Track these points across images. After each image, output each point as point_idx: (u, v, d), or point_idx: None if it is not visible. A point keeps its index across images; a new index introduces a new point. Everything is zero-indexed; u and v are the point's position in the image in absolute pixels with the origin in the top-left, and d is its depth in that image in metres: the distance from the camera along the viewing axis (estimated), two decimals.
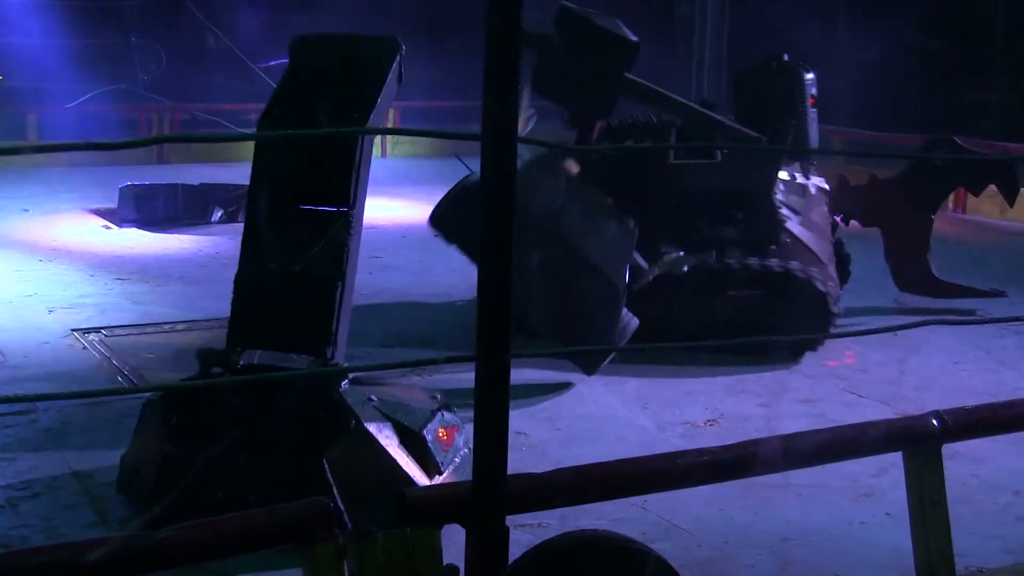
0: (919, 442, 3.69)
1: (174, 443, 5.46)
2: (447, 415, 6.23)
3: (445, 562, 2.81)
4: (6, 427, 6.95)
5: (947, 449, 3.83)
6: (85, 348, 8.85)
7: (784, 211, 9.39)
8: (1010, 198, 10.52)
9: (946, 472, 3.78)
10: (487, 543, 2.73)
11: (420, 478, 5.63)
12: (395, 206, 16.18)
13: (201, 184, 15.17)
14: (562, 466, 3.04)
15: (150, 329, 9.45)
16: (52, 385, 7.82)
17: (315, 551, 2.58)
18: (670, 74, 22.96)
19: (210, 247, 13.17)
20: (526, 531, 4.86)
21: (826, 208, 10.02)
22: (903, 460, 3.73)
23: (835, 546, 5.60)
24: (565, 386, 7.98)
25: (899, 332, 8.45)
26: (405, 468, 5.58)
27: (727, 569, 5.30)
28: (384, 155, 21.31)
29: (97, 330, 9.34)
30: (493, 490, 2.73)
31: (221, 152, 19.15)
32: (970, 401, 5.95)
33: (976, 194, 11.22)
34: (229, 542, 2.63)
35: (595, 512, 4.93)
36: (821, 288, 8.79)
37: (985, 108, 20.06)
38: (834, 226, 10.21)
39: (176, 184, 14.97)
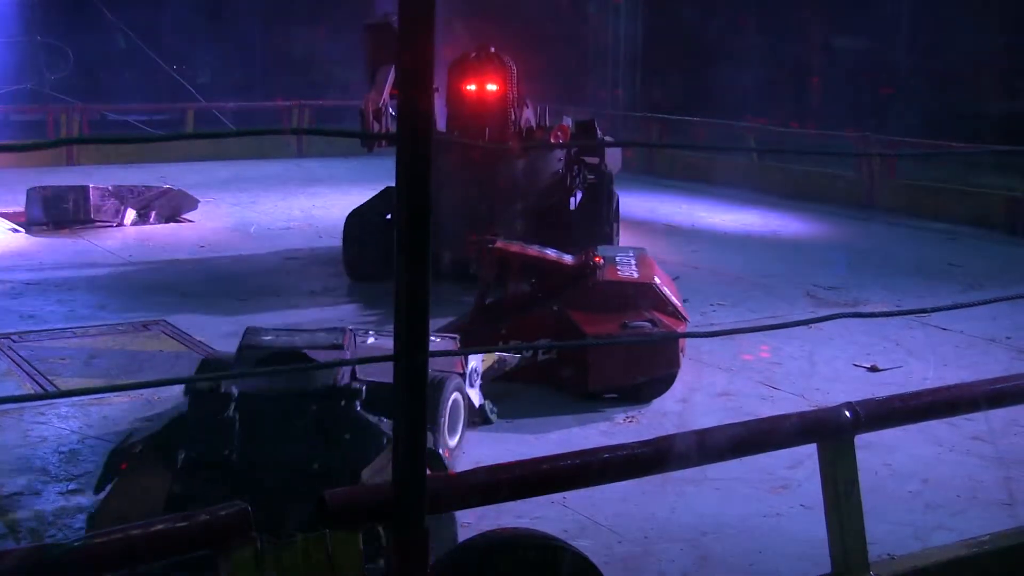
0: (832, 434, 3.74)
1: (183, 483, 4.94)
2: None
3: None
4: None
5: (859, 439, 3.89)
6: None
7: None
8: None
9: (859, 462, 3.85)
10: (408, 543, 2.72)
11: None
12: (310, 205, 16.09)
13: (113, 186, 14.92)
14: (481, 465, 3.03)
15: (62, 334, 9.27)
16: None
17: (232, 556, 2.54)
18: (586, 72, 23.13)
19: (122, 249, 12.96)
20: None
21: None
22: (817, 452, 3.79)
23: (752, 538, 5.66)
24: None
25: (812, 325, 8.60)
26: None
27: (647, 564, 5.33)
28: (300, 155, 21.19)
29: (6, 336, 9.14)
30: (413, 491, 2.72)
31: (133, 153, 18.86)
32: (881, 392, 6.08)
33: None
34: (144, 549, 2.59)
35: (515, 510, 4.94)
36: None
37: (889, 104, 20.47)
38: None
39: (86, 186, 14.69)
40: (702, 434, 3.39)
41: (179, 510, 4.43)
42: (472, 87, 11.01)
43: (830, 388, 8.00)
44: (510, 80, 11.08)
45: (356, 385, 5.35)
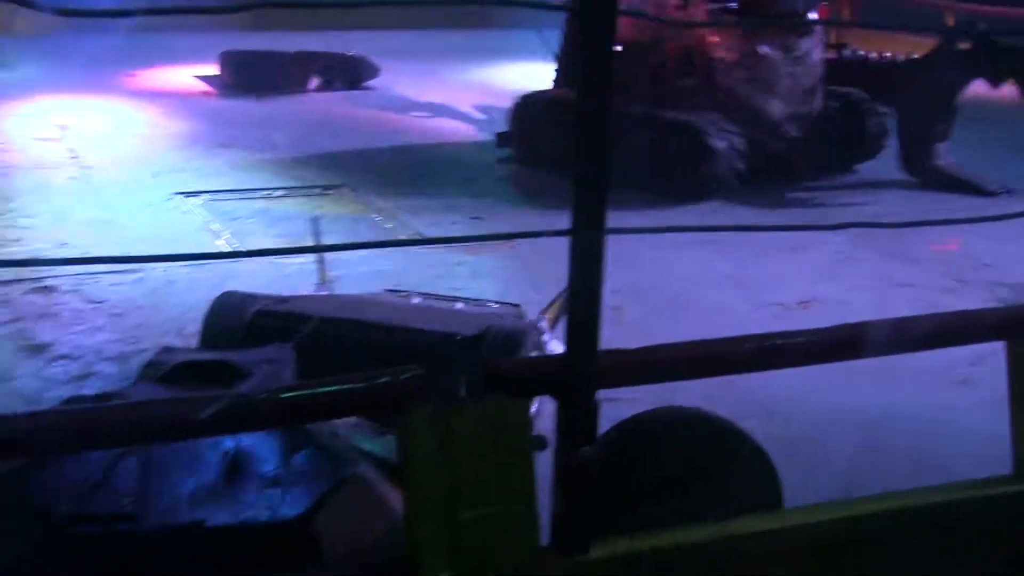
0: None
1: (53, 549, 3.17)
2: None
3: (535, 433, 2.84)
4: (117, 284, 7.15)
5: None
6: (188, 211, 9.01)
7: (719, 71, 10.08)
8: None
9: None
10: (577, 415, 2.75)
11: None
12: (489, 76, 16.09)
13: (299, 52, 15.17)
14: (655, 342, 3.03)
15: (251, 194, 9.57)
16: (157, 246, 7.99)
17: (410, 419, 2.62)
18: None
19: (307, 115, 13.24)
20: (615, 405, 4.88)
21: (802, 71, 10.38)
22: (1006, 349, 3.65)
23: (924, 432, 5.54)
24: (657, 263, 7.94)
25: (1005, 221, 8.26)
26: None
27: (814, 449, 5.29)
28: (480, 26, 21.11)
29: (199, 193, 9.49)
30: (585, 364, 2.74)
31: (319, 19, 19.11)
32: None
33: (995, 86, 10.40)
34: (330, 406, 2.71)
35: (683, 388, 4.92)
36: (709, 143, 9.75)
37: None
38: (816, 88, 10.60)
39: (275, 52, 14.99)
40: (895, 324, 3.30)
41: None
42: None
43: (1019, 285, 7.71)
44: None
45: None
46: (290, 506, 3.26)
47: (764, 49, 10.21)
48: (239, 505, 3.25)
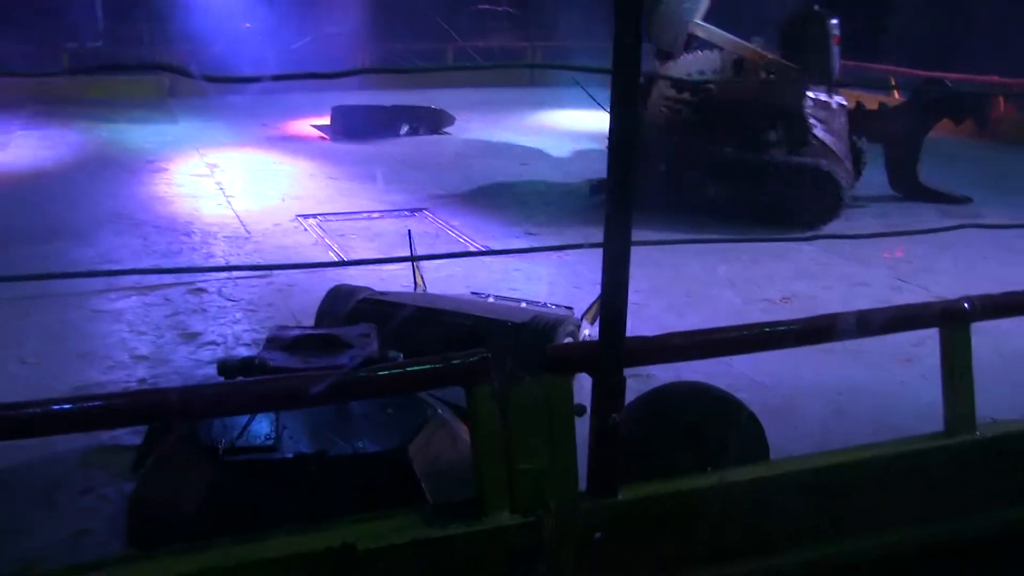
0: (953, 320, 3.57)
1: (226, 474, 3.29)
2: None
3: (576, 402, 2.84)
4: (251, 287, 7.23)
5: (975, 327, 3.69)
6: (306, 230, 9.08)
7: (812, 121, 9.88)
8: (982, 126, 11.28)
9: (973, 345, 3.65)
10: (608, 388, 2.75)
11: None
12: (542, 120, 16.04)
13: (392, 105, 15.25)
14: (669, 331, 3.02)
15: (354, 216, 9.64)
16: (282, 256, 8.08)
17: (475, 391, 2.63)
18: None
19: (399, 155, 13.30)
20: (637, 380, 4.86)
21: (845, 119, 10.30)
22: (939, 334, 3.61)
23: (879, 400, 5.49)
24: (671, 269, 7.89)
25: (940, 232, 8.13)
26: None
27: (793, 415, 5.25)
28: (533, 84, 21.05)
29: (315, 216, 9.57)
30: (614, 348, 2.74)
31: (407, 80, 19.18)
32: (995, 289, 5.70)
33: (957, 124, 11.30)
34: (415, 381, 2.74)
35: (691, 367, 4.90)
36: (837, 179, 9.61)
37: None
38: (849, 133, 10.48)
39: (374, 105, 15.08)
40: (859, 315, 3.30)
41: (223, 503, 3.19)
42: None
43: (952, 283, 7.58)
44: None
45: (392, 354, 3.63)
46: (388, 440, 3.36)
47: (834, 103, 10.13)
48: (351, 439, 3.36)
